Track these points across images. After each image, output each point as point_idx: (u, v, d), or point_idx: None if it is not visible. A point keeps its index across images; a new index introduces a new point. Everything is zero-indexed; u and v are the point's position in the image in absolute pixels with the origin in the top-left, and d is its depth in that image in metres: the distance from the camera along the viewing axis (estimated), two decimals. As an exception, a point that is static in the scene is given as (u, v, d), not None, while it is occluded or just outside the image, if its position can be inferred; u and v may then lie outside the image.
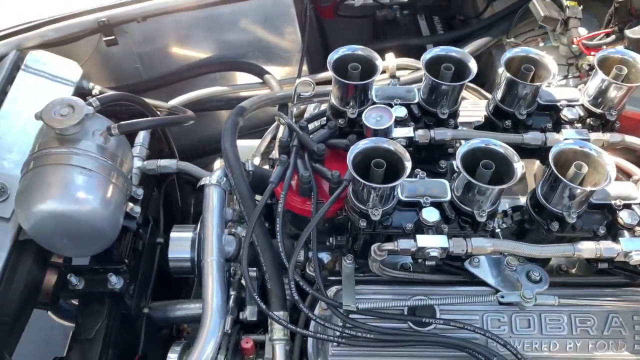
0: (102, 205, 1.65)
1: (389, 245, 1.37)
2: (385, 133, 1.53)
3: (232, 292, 1.77)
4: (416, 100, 1.65)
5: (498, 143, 1.35)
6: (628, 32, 2.00)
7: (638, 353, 1.49)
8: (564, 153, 1.36)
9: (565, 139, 1.54)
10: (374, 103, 1.65)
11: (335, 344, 1.49)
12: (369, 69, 1.58)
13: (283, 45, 2.51)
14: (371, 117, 1.51)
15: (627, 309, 1.51)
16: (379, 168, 1.33)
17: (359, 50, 1.59)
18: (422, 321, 1.45)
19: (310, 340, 1.57)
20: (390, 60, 2.30)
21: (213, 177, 1.79)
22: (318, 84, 2.30)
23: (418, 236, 1.34)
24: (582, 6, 2.25)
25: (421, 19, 3.14)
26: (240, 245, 1.73)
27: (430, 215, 1.36)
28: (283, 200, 1.50)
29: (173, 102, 2.30)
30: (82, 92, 2.18)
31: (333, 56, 1.57)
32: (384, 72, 2.42)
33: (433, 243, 1.33)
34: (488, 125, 1.71)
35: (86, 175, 1.62)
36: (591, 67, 2.18)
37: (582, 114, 1.66)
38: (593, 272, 1.60)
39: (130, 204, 1.84)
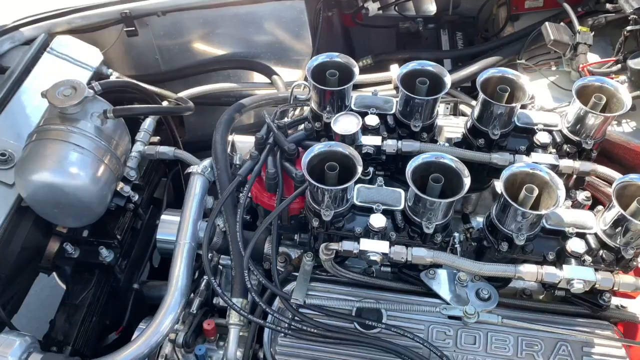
0: (92, 182, 1.79)
1: (334, 245, 1.43)
2: (353, 139, 1.58)
3: (205, 277, 1.88)
4: (392, 112, 1.69)
5: (449, 157, 1.38)
6: (630, 62, 1.96)
7: (583, 385, 1.48)
8: (516, 175, 1.38)
9: (532, 162, 1.54)
10: (351, 110, 1.71)
11: (283, 334, 1.55)
12: (346, 76, 1.64)
13: (295, 49, 2.59)
14: (339, 123, 1.57)
15: (578, 339, 1.50)
16: (332, 171, 1.39)
17: (337, 57, 1.65)
18: (367, 324, 1.50)
19: (266, 330, 1.64)
20: (395, 71, 2.34)
21: (199, 167, 1.90)
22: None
23: (362, 240, 1.39)
24: (593, 32, 2.21)
25: (444, 33, 3.14)
26: (214, 233, 1.82)
27: (377, 221, 1.40)
28: (246, 193, 1.58)
29: (183, 93, 2.43)
30: (100, 77, 2.36)
31: (312, 63, 1.64)
32: (388, 82, 2.47)
33: (374, 247, 1.37)
34: (465, 142, 1.73)
35: (80, 153, 1.77)
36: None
37: (558, 139, 1.65)
38: (557, 300, 1.60)
39: (122, 184, 1.97)
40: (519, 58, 2.47)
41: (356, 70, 1.63)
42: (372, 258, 1.37)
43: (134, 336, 1.72)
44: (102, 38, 2.46)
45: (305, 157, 1.39)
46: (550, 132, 1.66)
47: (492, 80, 1.61)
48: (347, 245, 1.40)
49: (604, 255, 1.40)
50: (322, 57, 1.65)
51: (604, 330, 1.52)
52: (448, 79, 1.59)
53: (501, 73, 1.61)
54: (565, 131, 1.64)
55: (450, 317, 1.53)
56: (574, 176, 1.71)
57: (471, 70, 2.36)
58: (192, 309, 1.79)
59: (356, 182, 1.43)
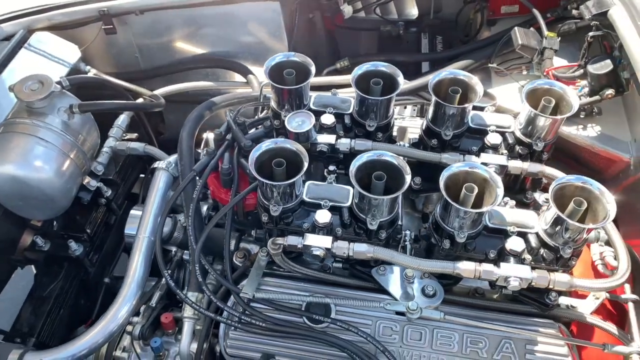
0: (56, 175, 1.83)
1: (280, 240, 1.46)
2: (307, 137, 1.62)
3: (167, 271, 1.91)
4: (349, 111, 1.73)
5: (390, 155, 1.41)
6: (590, 68, 1.99)
7: (525, 382, 1.50)
8: (458, 175, 1.40)
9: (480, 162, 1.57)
10: (310, 109, 1.74)
11: (233, 328, 1.59)
12: (303, 75, 1.67)
13: (272, 49, 2.63)
14: (293, 121, 1.60)
15: (522, 337, 1.52)
16: (279, 167, 1.43)
17: (294, 57, 1.69)
18: (315, 318, 1.53)
19: (222, 324, 1.67)
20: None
21: (163, 162, 1.94)
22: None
23: (306, 235, 1.43)
24: (560, 38, 2.24)
25: (424, 37, 3.18)
26: (176, 228, 1.86)
27: (322, 217, 1.43)
28: (200, 187, 1.62)
29: (159, 91, 2.47)
30: (78, 74, 2.40)
31: (270, 63, 1.67)
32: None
33: (317, 242, 1.41)
34: (421, 143, 1.76)
35: (45, 147, 1.81)
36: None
37: (510, 141, 1.68)
38: (508, 299, 1.63)
39: (88, 178, 2.01)
40: (490, 62, 2.49)
41: (312, 69, 1.67)
42: (315, 253, 1.41)
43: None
44: (82, 35, 2.51)
45: (253, 154, 1.43)
46: (502, 133, 1.68)
47: (445, 82, 1.64)
48: (291, 240, 1.43)
49: (544, 255, 1.43)
50: (279, 57, 1.69)
51: (548, 329, 1.54)
52: (401, 79, 1.63)
53: (453, 75, 1.64)
54: (518, 133, 1.67)
55: (398, 313, 1.56)
56: (530, 178, 1.74)
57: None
58: (152, 303, 1.83)
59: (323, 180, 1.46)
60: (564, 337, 1.52)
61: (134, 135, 2.48)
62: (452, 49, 2.76)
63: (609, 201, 1.34)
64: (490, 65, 2.49)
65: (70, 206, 2.13)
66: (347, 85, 2.49)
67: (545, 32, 2.26)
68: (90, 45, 2.54)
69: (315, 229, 1.46)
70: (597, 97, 2.00)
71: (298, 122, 1.60)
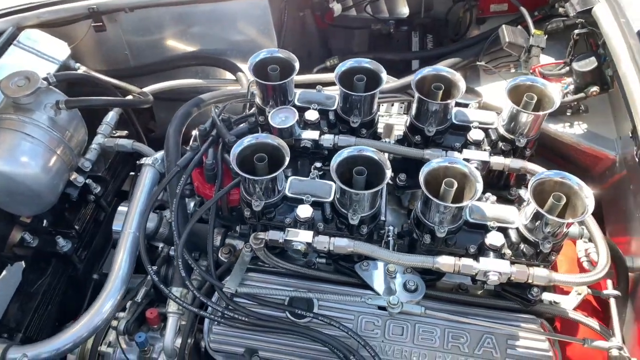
0: (42, 171, 1.84)
1: (262, 235, 1.47)
2: (290, 132, 1.62)
3: (154, 267, 1.91)
4: (334, 108, 1.73)
5: (371, 150, 1.42)
6: (575, 65, 2.00)
7: (506, 376, 1.51)
8: (438, 170, 1.41)
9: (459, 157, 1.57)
10: (295, 105, 1.75)
11: (216, 323, 1.59)
12: (288, 71, 1.68)
13: (262, 47, 2.62)
14: (277, 117, 1.61)
15: (503, 332, 1.53)
16: (260, 162, 1.44)
17: (278, 53, 1.70)
18: (297, 313, 1.53)
19: (206, 319, 1.67)
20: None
21: (150, 159, 1.95)
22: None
23: (287, 229, 1.43)
24: (547, 36, 2.25)
25: (415, 36, 3.19)
26: (161, 224, 1.87)
27: (303, 211, 1.44)
28: (183, 183, 1.63)
29: (148, 88, 2.47)
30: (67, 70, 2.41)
31: (254, 59, 1.68)
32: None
33: (297, 237, 1.41)
34: (406, 139, 1.77)
35: (31, 143, 1.82)
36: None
37: (494, 137, 1.69)
38: (492, 295, 1.64)
39: (75, 174, 2.02)
40: (478, 60, 2.51)
41: (296, 65, 1.68)
42: (296, 247, 1.41)
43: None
44: (72, 33, 2.51)
45: (235, 149, 1.44)
46: (485, 130, 1.69)
47: (427, 79, 1.65)
48: (273, 235, 1.44)
49: (524, 250, 1.44)
50: (263, 53, 1.69)
51: (530, 324, 1.55)
52: (384, 76, 1.63)
53: (435, 71, 1.65)
54: (501, 129, 1.68)
55: (380, 308, 1.57)
56: (514, 174, 1.74)
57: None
58: (138, 298, 1.83)
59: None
60: (544, 332, 1.53)
61: (124, 132, 2.49)
62: (441, 47, 2.78)
63: (587, 196, 1.35)
64: (478, 63, 2.50)
65: (59, 203, 2.14)
66: (334, 83, 2.53)
67: (532, 30, 2.27)
68: (80, 43, 2.54)
69: (297, 223, 1.47)
70: (582, 95, 2.01)
71: (281, 117, 1.61)
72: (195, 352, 1.79)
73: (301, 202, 1.50)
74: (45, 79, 1.88)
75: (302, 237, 1.42)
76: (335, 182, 1.46)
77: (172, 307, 1.69)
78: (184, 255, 1.58)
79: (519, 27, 2.36)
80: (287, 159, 1.42)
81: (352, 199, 1.43)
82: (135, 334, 1.74)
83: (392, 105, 2.24)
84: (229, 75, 2.66)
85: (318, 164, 1.71)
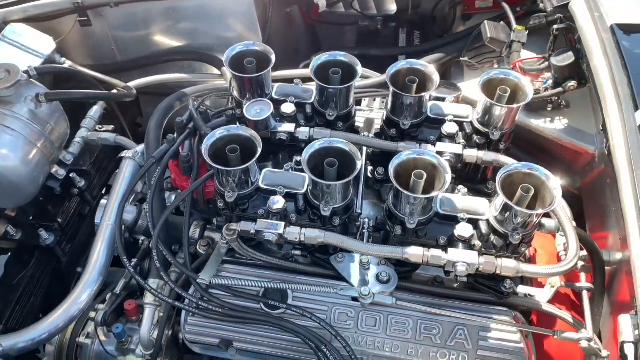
0: (22, 164, 1.85)
1: (234, 226, 1.48)
2: (266, 125, 1.64)
3: (134, 259, 1.92)
4: (311, 101, 1.74)
5: (341, 142, 1.43)
6: (553, 60, 2.01)
7: (479, 367, 1.52)
8: (408, 162, 1.42)
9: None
10: (272, 98, 1.76)
11: (191, 314, 1.61)
12: (264, 64, 1.69)
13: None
14: (252, 110, 1.62)
15: (476, 324, 1.54)
16: (233, 153, 1.45)
17: (255, 46, 1.71)
18: (271, 304, 1.55)
19: (183, 311, 1.69)
20: (338, 66, 2.39)
21: (130, 152, 1.96)
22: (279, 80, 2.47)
23: (259, 220, 1.45)
24: (528, 31, 2.25)
25: (402, 32, 3.20)
26: (140, 216, 1.88)
27: (276, 203, 1.45)
28: (158, 175, 1.64)
29: (133, 82, 2.49)
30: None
31: (230, 52, 1.69)
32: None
33: (269, 228, 1.43)
34: (383, 133, 1.78)
35: (11, 135, 1.83)
36: (531, 92, 2.20)
37: (468, 131, 1.70)
38: (468, 288, 1.65)
39: (56, 167, 2.03)
40: (462, 56, 2.52)
41: (272, 58, 1.69)
42: (268, 238, 1.42)
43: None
44: (58, 27, 2.52)
45: (207, 141, 1.45)
46: (460, 123, 1.70)
47: (402, 73, 1.66)
48: (244, 226, 1.45)
49: (494, 241, 1.45)
50: (239, 47, 1.71)
51: (502, 316, 1.56)
52: (359, 69, 1.64)
53: (409, 65, 1.66)
54: (476, 123, 1.69)
55: (354, 299, 1.58)
56: (492, 168, 1.75)
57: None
58: (117, 290, 1.84)
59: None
60: (516, 324, 1.54)
61: (110, 127, 2.51)
62: (427, 43, 2.79)
63: (555, 187, 1.36)
64: (462, 59, 2.51)
65: (42, 196, 2.15)
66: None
67: (514, 26, 2.28)
68: (66, 38, 2.55)
69: (270, 215, 1.48)
70: (560, 89, 2.02)
71: (257, 110, 1.62)
72: (174, 343, 1.81)
73: (275, 193, 1.51)
74: (26, 72, 1.89)
75: (273, 227, 1.43)
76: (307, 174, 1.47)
77: (148, 298, 1.70)
78: (159, 247, 1.59)
79: (502, 23, 2.37)
80: (259, 150, 1.43)
81: (324, 190, 1.44)
82: (113, 325, 1.75)
83: (375, 100, 2.25)
84: (215, 71, 2.67)
85: (298, 158, 1.72)
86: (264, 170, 1.55)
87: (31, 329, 1.64)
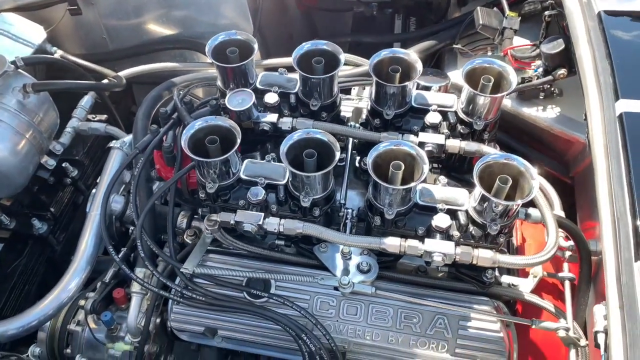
0: (11, 154, 1.87)
1: (214, 217, 1.49)
2: (248, 115, 1.64)
3: (124, 249, 1.94)
4: (295, 90, 1.74)
5: (320, 132, 1.43)
6: (543, 47, 1.98)
7: (458, 356, 1.53)
8: (386, 153, 1.42)
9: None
10: (256, 88, 1.76)
11: (176, 303, 1.63)
12: (247, 53, 1.68)
13: (239, 29, 2.62)
14: (234, 100, 1.62)
15: (456, 313, 1.55)
16: (212, 144, 1.45)
17: (237, 35, 1.70)
18: (254, 293, 1.56)
19: (170, 300, 1.71)
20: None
21: (117, 142, 1.97)
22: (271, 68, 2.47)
23: (238, 211, 1.46)
24: (520, 18, 2.22)
25: (398, 18, 3.17)
26: (128, 206, 1.90)
27: (255, 194, 1.46)
28: (141, 165, 1.65)
29: (124, 72, 2.49)
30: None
31: (213, 42, 1.69)
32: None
33: (248, 219, 1.44)
34: (367, 123, 1.78)
35: (-1, 126, 1.85)
36: (522, 80, 2.18)
37: (452, 120, 1.69)
38: (451, 277, 1.65)
39: (46, 157, 2.04)
40: (455, 43, 2.49)
41: (255, 47, 1.68)
42: (247, 229, 1.44)
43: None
44: (49, 16, 2.53)
45: (186, 132, 1.45)
46: (445, 113, 1.69)
47: (385, 62, 1.65)
48: (224, 217, 1.47)
49: (472, 232, 1.45)
50: (222, 36, 1.70)
51: (482, 306, 1.57)
52: (342, 57, 1.64)
53: (392, 54, 1.65)
54: (460, 112, 1.68)
55: (335, 288, 1.59)
56: (476, 158, 1.74)
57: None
58: (106, 279, 1.87)
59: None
60: (496, 314, 1.54)
61: (104, 116, 2.52)
62: (421, 30, 2.76)
63: (533, 177, 1.35)
64: (455, 46, 2.49)
65: (35, 186, 2.18)
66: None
67: (507, 12, 2.25)
68: (57, 27, 2.56)
69: (250, 206, 1.49)
70: (549, 78, 2.00)
71: (239, 100, 1.62)
72: (163, 331, 1.84)
73: (255, 184, 1.52)
74: (13, 62, 1.90)
75: (252, 218, 1.44)
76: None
77: (135, 287, 1.73)
78: (144, 238, 1.61)
79: (495, 9, 2.34)
80: (239, 141, 1.43)
81: (304, 181, 1.44)
82: (102, 313, 1.78)
83: (364, 88, 2.24)
84: (207, 59, 2.66)
85: None
86: (245, 161, 1.55)
87: (21, 316, 1.67)
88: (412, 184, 1.37)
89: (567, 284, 1.64)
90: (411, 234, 1.49)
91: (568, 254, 1.75)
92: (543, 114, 2.18)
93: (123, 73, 2.50)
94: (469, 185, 1.81)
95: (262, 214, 1.45)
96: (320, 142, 1.45)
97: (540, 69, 2.04)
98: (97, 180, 2.45)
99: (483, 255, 1.40)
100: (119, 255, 1.87)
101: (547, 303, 1.62)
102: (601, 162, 1.41)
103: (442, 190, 1.49)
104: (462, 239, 1.45)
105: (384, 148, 1.42)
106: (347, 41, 2.80)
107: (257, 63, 2.60)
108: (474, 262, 1.41)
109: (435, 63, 2.63)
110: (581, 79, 1.60)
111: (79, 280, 1.72)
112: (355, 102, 2.13)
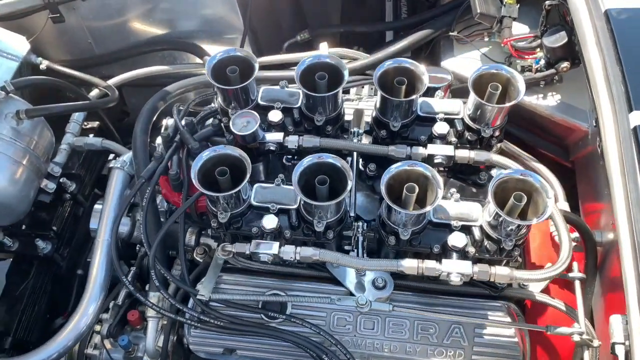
0: (10, 184, 1.83)
1: (229, 247, 1.48)
2: (254, 137, 1.61)
3: (132, 268, 1.94)
4: (297, 105, 1.70)
5: (332, 157, 1.42)
6: (545, 41, 1.95)
7: (474, 363, 1.58)
8: (400, 174, 1.41)
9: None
10: (259, 105, 1.72)
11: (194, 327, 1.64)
12: (248, 70, 1.64)
13: (227, 27, 2.56)
14: (238, 122, 1.59)
15: (471, 322, 1.58)
16: (222, 176, 1.43)
17: (237, 52, 1.65)
18: (270, 315, 1.58)
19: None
20: (324, 50, 2.32)
21: (118, 162, 1.93)
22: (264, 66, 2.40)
23: (254, 242, 1.45)
24: (519, 5, 2.18)
25: (388, 0, 3.09)
26: (134, 228, 1.88)
27: (269, 222, 1.45)
28: (149, 196, 1.62)
29: (114, 80, 2.42)
30: (30, 66, 2.35)
31: (211, 62, 1.63)
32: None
33: (264, 249, 1.43)
34: (372, 132, 1.75)
35: (-6, 158, 1.79)
36: (523, 70, 2.15)
37: (459, 127, 1.67)
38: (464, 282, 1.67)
39: (46, 181, 2.00)
40: (451, 30, 2.44)
41: (256, 65, 1.63)
42: (263, 259, 1.43)
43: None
44: (30, 24, 2.43)
45: (195, 165, 1.42)
46: (451, 120, 1.67)
47: (390, 73, 1.61)
48: (239, 247, 1.46)
49: (487, 246, 1.46)
50: (220, 54, 1.65)
51: (496, 312, 1.60)
52: (346, 72, 1.60)
53: (397, 64, 1.61)
54: (467, 119, 1.66)
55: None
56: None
57: (398, 47, 2.34)
58: (119, 301, 1.87)
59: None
60: (512, 323, 1.57)
61: (96, 123, 2.46)
62: (414, 16, 2.69)
63: (549, 196, 1.35)
64: (451, 33, 2.43)
65: (35, 206, 2.14)
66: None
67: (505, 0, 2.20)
68: (40, 34, 2.46)
69: (264, 234, 1.48)
70: (552, 71, 1.97)
71: (243, 122, 1.59)
72: (180, 346, 1.85)
73: (267, 210, 1.50)
74: (3, 88, 1.83)
75: (268, 248, 1.44)
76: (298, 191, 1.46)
77: (151, 311, 1.73)
78: (157, 266, 1.60)
79: (493, -6, 2.28)
80: (249, 172, 1.41)
81: (317, 207, 1.43)
82: (119, 337, 1.79)
83: (363, 87, 2.20)
84: (197, 59, 2.59)
85: (288, 163, 1.71)
86: (255, 186, 1.53)
87: (41, 350, 1.67)
88: (428, 208, 1.37)
89: (577, 283, 1.67)
90: (426, 251, 1.50)
91: (573, 244, 1.78)
92: (544, 102, 2.16)
93: (113, 81, 2.44)
94: (475, 185, 1.82)
95: (277, 243, 1.45)
96: (332, 166, 1.43)
97: (542, 61, 2.01)
98: (96, 191, 2.45)
99: (500, 273, 1.42)
100: (129, 277, 1.89)
101: (557, 302, 1.65)
102: (617, 179, 1.40)
103: (456, 207, 1.49)
104: (477, 254, 1.47)
105: (397, 170, 1.40)
106: (340, 32, 2.73)
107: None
108: (492, 279, 1.42)
109: (431, 50, 2.58)
110: (591, 87, 1.58)
111: (95, 307, 1.72)
112: (355, 103, 2.10)
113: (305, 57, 1.62)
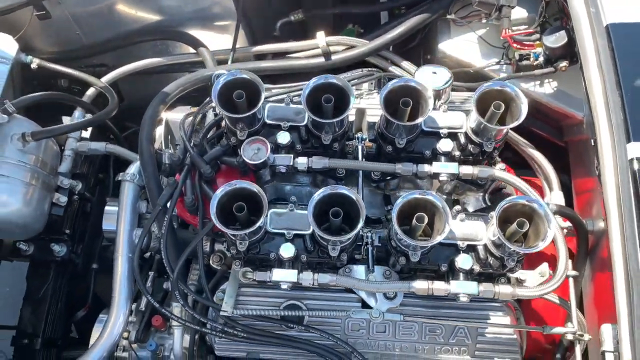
0: (24, 205, 1.87)
1: (250, 274, 1.58)
2: (265, 163, 1.65)
3: (150, 272, 2.03)
4: (304, 123, 1.73)
5: (346, 190, 1.48)
6: (545, 40, 1.96)
7: (478, 357, 1.74)
8: (409, 202, 1.49)
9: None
10: (265, 123, 1.74)
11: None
12: (254, 94, 1.65)
13: (219, 13, 2.48)
14: (249, 151, 1.62)
15: (474, 325, 1.73)
16: (240, 212, 1.49)
17: (242, 74, 1.65)
18: (289, 326, 1.70)
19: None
20: (321, 39, 2.30)
21: (128, 174, 1.96)
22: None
23: (273, 270, 1.54)
24: (520, -8, 2.15)
25: (383, -20, 2.97)
26: (151, 239, 1.95)
27: (286, 252, 1.53)
28: (167, 225, 1.68)
29: (108, 76, 2.39)
30: (21, 66, 2.30)
31: (217, 86, 1.63)
32: (316, 48, 2.40)
33: (284, 277, 1.53)
34: (377, 144, 1.80)
35: (6, 182, 1.82)
36: (521, 58, 2.17)
37: (463, 141, 1.73)
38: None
39: (57, 195, 2.04)
40: (448, 13, 2.40)
41: (262, 89, 1.64)
42: (283, 287, 1.53)
43: (93, 332, 1.93)
44: (15, 20, 2.34)
45: (213, 202, 1.47)
46: (455, 135, 1.72)
47: (395, 92, 1.63)
48: (260, 276, 1.55)
49: (491, 262, 1.57)
50: (226, 77, 1.64)
51: (497, 312, 1.74)
52: (352, 99, 1.62)
53: (403, 82, 1.63)
54: (469, 132, 1.71)
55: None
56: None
57: (396, 33, 2.31)
58: (141, 307, 1.97)
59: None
60: (510, 325, 1.72)
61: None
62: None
63: (550, 227, 1.44)
64: (448, 16, 2.40)
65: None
66: (299, 51, 2.43)
67: (505, -14, 2.16)
68: (27, 29, 2.38)
69: (282, 262, 1.57)
70: (551, 69, 2.00)
71: (254, 149, 1.62)
72: (203, 344, 1.99)
73: (282, 236, 1.58)
74: (4, 110, 1.81)
75: (287, 276, 1.53)
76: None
77: (175, 321, 1.84)
78: (180, 286, 1.70)
79: (491, -20, 2.24)
80: (266, 206, 1.47)
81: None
82: (147, 343, 1.91)
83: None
84: (190, 49, 2.53)
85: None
86: (269, 213, 1.59)
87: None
88: (438, 239, 1.46)
89: (571, 281, 1.81)
90: (434, 269, 1.61)
91: (565, 231, 1.91)
92: (540, 89, 2.20)
93: (107, 78, 2.40)
94: (478, 187, 1.90)
95: (296, 271, 1.54)
96: (345, 197, 1.50)
97: (542, 58, 2.03)
98: (100, 175, 2.47)
99: (504, 292, 1.54)
100: (149, 281, 1.98)
101: (552, 296, 1.80)
102: (615, 221, 1.48)
103: (462, 227, 1.58)
104: (481, 269, 1.58)
105: (407, 199, 1.47)
106: (335, 13, 2.67)
107: (245, 51, 2.51)
108: (495, 297, 1.55)
109: (427, 33, 2.55)
110: (593, 114, 1.62)
111: (122, 319, 1.82)
112: (357, 102, 2.12)
113: (311, 81, 1.62)
